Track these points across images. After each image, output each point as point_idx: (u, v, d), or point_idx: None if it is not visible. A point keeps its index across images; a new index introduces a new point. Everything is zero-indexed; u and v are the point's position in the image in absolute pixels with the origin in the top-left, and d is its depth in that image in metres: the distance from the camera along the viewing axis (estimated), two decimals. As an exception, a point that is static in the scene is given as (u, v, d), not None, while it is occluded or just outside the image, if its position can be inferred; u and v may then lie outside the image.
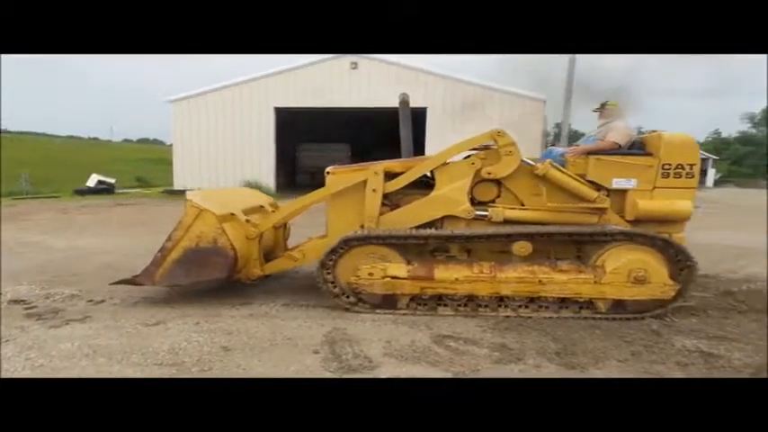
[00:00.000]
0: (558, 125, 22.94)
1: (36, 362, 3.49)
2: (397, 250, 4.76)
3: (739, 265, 7.39)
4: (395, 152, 22.04)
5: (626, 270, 4.54)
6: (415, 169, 5.06)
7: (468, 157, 5.08)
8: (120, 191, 21.84)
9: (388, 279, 4.59)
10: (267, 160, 20.62)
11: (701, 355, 3.80)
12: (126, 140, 73.56)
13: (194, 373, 3.36)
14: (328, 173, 5.27)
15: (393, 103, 20.49)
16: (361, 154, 28.03)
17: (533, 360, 3.67)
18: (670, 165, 4.91)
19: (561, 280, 4.58)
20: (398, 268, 4.64)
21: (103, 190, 20.63)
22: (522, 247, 4.71)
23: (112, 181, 21.64)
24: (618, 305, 4.65)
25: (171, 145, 23.53)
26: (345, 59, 19.62)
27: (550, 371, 3.50)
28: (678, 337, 4.23)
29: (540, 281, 4.57)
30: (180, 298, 5.15)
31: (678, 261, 4.69)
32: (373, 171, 5.02)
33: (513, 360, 3.66)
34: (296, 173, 26.24)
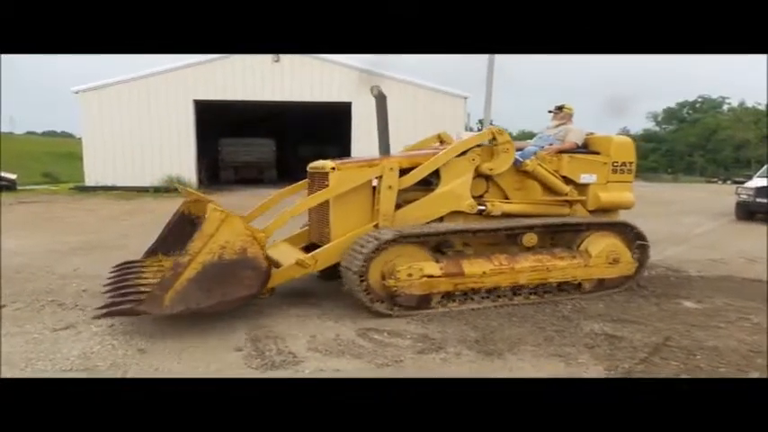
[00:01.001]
0: (480, 121, 23.75)
1: (-75, 374, 3.21)
2: (426, 249, 4.71)
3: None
4: (320, 146, 22.19)
5: (605, 253, 5.27)
6: (426, 165, 4.97)
7: (464, 153, 5.15)
8: (24, 187, 20.22)
9: (425, 278, 4.50)
10: (188, 155, 19.80)
11: (606, 338, 4.11)
12: (30, 133, 67.96)
13: (108, 375, 3.21)
14: (333, 169, 4.86)
15: (316, 97, 20.40)
16: (287, 148, 27.77)
17: (454, 348, 3.81)
18: (617, 162, 5.75)
19: (562, 266, 5.08)
20: (432, 267, 4.57)
21: (3, 186, 19.00)
22: (531, 239, 5.15)
23: (13, 176, 19.95)
24: (599, 284, 5.36)
25: (80, 138, 22.05)
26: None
27: (470, 358, 3.65)
28: (587, 321, 4.53)
29: (547, 268, 4.99)
30: (91, 299, 4.88)
31: (633, 243, 5.60)
32: (389, 167, 4.82)
33: (434, 349, 3.79)
34: (219, 168, 25.41)
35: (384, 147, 5.20)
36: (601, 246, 5.29)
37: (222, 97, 19.60)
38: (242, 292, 4.07)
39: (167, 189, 18.83)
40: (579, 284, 5.24)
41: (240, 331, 4.10)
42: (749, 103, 59.92)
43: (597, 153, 5.73)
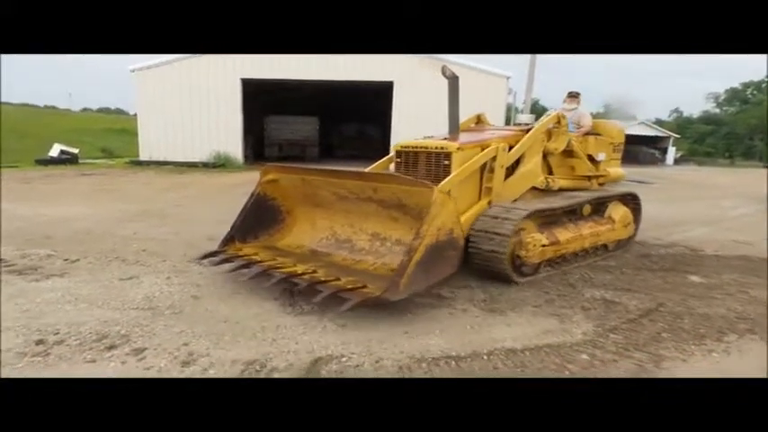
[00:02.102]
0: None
1: (23, 306, 3.95)
2: (535, 223, 5.21)
3: (666, 233, 8.19)
4: (362, 125, 22.84)
5: (622, 219, 6.42)
6: (521, 145, 5.48)
7: (528, 132, 5.72)
8: (84, 161, 21.64)
9: (542, 248, 5.12)
10: (234, 132, 20.70)
11: (603, 302, 4.51)
12: (85, 109, 71.18)
13: (167, 314, 3.88)
14: (458, 149, 5.02)
15: (359, 75, 20.82)
16: (330, 126, 28.44)
17: (462, 306, 4.30)
18: (615, 143, 7.07)
19: (603, 231, 6.07)
20: (543, 237, 5.18)
21: (66, 160, 20.42)
22: (588, 209, 6.11)
23: (76, 151, 21.39)
24: (617, 244, 6.47)
25: (134, 115, 23.27)
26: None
27: (475, 313, 4.13)
28: (590, 289, 4.92)
29: (597, 233, 5.95)
30: (149, 257, 5.60)
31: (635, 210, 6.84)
32: (502, 147, 5.20)
33: (445, 305, 4.29)
34: (264, 145, 26.34)
35: (454, 126, 5.54)
36: (620, 213, 6.46)
37: (268, 76, 20.27)
38: (447, 272, 4.08)
39: (215, 164, 19.82)
40: (606, 245, 6.25)
41: (278, 285, 4.69)
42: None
43: (601, 135, 6.71)
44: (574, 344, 3.56)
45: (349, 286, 3.95)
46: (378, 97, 22.26)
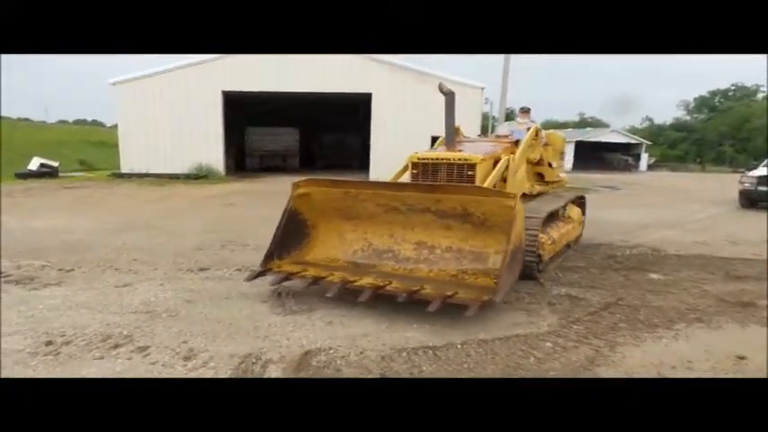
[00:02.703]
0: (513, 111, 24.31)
1: (26, 313, 4.19)
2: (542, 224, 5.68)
3: (632, 236, 8.67)
4: (343, 135, 23.18)
5: (578, 217, 7.32)
6: (520, 156, 6.09)
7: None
8: (64, 174, 21.57)
9: (550, 245, 5.76)
10: (216, 144, 20.88)
11: (568, 298, 4.90)
12: (62, 121, 70.17)
13: (164, 317, 4.16)
14: (482, 161, 5.42)
15: (338, 87, 21.19)
16: (310, 136, 28.74)
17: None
18: (559, 151, 7.73)
19: (570, 229, 6.76)
20: (548, 237, 5.76)
21: (46, 173, 20.36)
22: (573, 211, 7.22)
23: (56, 164, 21.34)
24: (576, 241, 7.34)
25: (112, 127, 23.27)
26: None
27: (451, 310, 4.47)
28: (557, 287, 5.31)
29: (568, 231, 6.63)
30: (141, 265, 5.85)
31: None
32: (511, 158, 5.80)
33: (423, 303, 4.62)
34: (245, 156, 26.54)
35: (450, 137, 5.86)
36: (575, 213, 7.31)
37: (249, 88, 20.55)
38: (517, 272, 4.47)
39: (197, 176, 19.97)
40: (568, 244, 6.90)
41: (267, 289, 5.00)
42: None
43: (548, 144, 7.34)
44: (540, 334, 3.93)
45: (449, 293, 4.14)
46: (357, 108, 22.68)
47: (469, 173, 5.36)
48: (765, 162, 14.47)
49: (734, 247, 7.83)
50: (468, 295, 4.12)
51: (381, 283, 4.40)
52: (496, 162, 5.68)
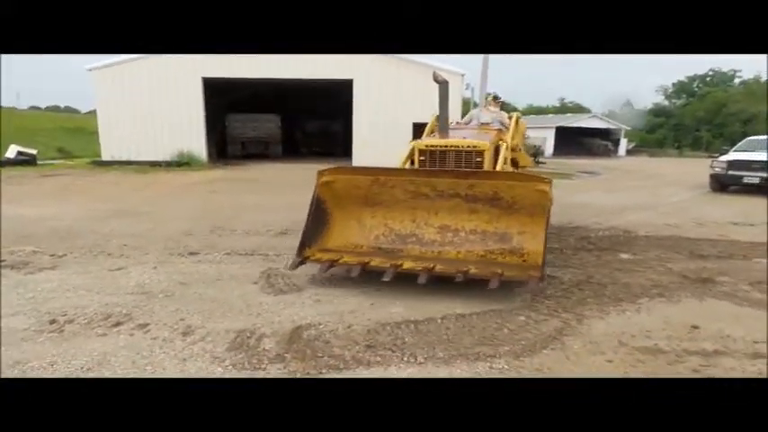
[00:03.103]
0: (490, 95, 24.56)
1: (26, 295, 4.37)
2: None
3: (607, 219, 9.04)
4: (325, 121, 23.32)
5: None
6: (510, 141, 6.57)
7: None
8: (42, 162, 21.35)
9: None
10: (197, 131, 20.83)
11: (542, 277, 5.20)
12: (33, 107, 68.44)
13: (160, 297, 4.37)
14: (488, 148, 5.76)
15: (319, 74, 21.25)
16: (293, 123, 28.74)
17: (422, 281, 4.92)
18: (523, 136, 8.03)
19: None
20: None
21: (24, 161, 20.14)
22: None
23: (34, 152, 21.10)
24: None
25: (87, 113, 22.97)
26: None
27: (433, 287, 4.75)
28: (532, 266, 5.61)
29: None
30: (132, 251, 6.02)
31: None
32: (505, 145, 6.28)
33: (405, 282, 4.88)
34: (226, 143, 26.47)
35: (445, 125, 6.00)
36: None
37: (230, 75, 20.49)
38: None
39: (179, 163, 19.94)
40: None
41: (257, 271, 5.23)
42: (765, 77, 59.53)
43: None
44: (514, 308, 4.24)
45: (499, 271, 4.47)
46: (339, 94, 22.75)
47: (478, 159, 5.64)
48: (735, 147, 15.01)
49: (701, 229, 8.24)
50: (512, 273, 4.48)
51: (430, 265, 4.60)
52: (497, 149, 6.00)
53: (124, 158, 20.17)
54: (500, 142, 6.19)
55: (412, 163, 5.96)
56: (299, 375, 3.12)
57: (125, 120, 20.39)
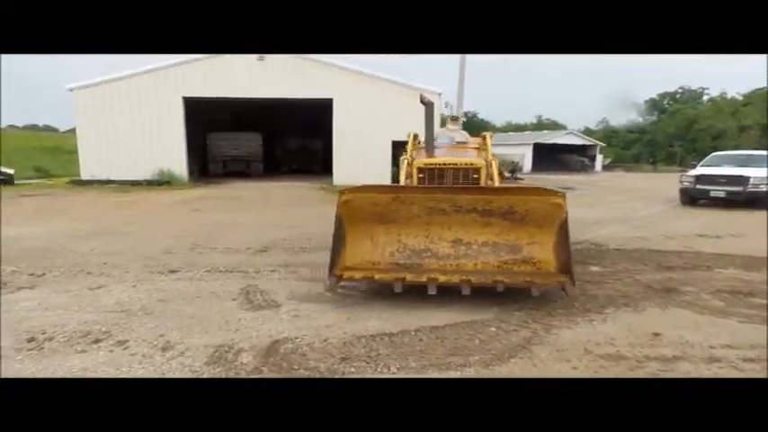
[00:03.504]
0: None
1: (4, 315, 4.39)
2: None
3: (580, 233, 9.27)
4: (306, 140, 23.47)
5: None
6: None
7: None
8: (20, 182, 21.10)
9: None
10: (178, 149, 20.84)
11: (514, 289, 5.37)
12: (11, 126, 67.42)
13: (139, 315, 4.44)
14: (484, 165, 6.23)
15: (299, 93, 21.46)
16: (274, 141, 28.85)
17: (398, 295, 5.06)
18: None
19: None
20: None
21: (1, 181, 19.90)
22: None
23: (11, 171, 20.86)
24: None
25: (66, 132, 22.86)
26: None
27: (409, 301, 4.89)
28: (505, 280, 5.78)
29: None
30: (113, 269, 6.07)
31: None
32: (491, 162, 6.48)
33: (382, 297, 5.03)
34: (207, 162, 26.46)
35: (430, 144, 6.36)
36: None
37: (210, 94, 20.61)
38: None
39: (159, 182, 19.89)
40: None
41: (236, 288, 5.32)
42: (730, 94, 61.62)
43: None
44: (485, 320, 4.39)
45: (537, 281, 4.80)
46: (319, 113, 22.98)
47: (474, 176, 6.01)
48: (702, 163, 15.52)
49: (669, 241, 8.53)
50: (545, 280, 4.87)
51: (466, 278, 4.81)
52: (488, 166, 6.28)
53: (104, 177, 20.07)
54: (490, 160, 6.43)
55: (406, 179, 6.26)
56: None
57: (106, 139, 20.33)
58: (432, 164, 6.07)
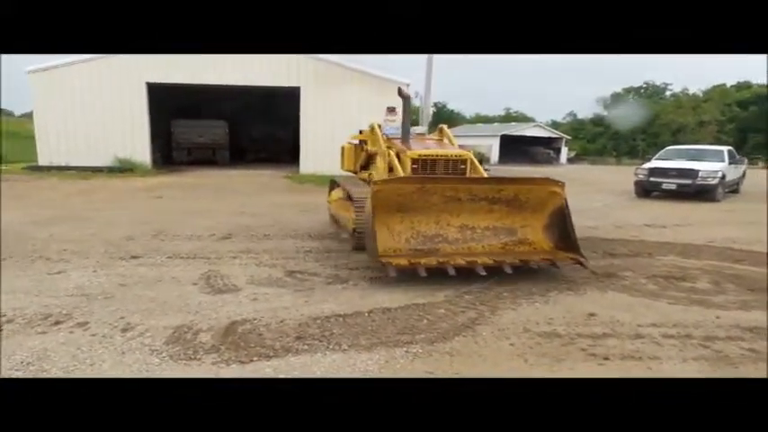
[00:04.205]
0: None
1: (-37, 299, 4.44)
2: None
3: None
4: (273, 128, 23.33)
5: None
6: None
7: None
8: (-26, 167, 20.44)
9: None
10: (141, 137, 20.48)
11: (468, 274, 5.65)
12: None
13: (100, 299, 4.53)
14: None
15: (267, 81, 21.27)
16: (241, 129, 28.58)
17: (354, 282, 5.27)
18: None
19: None
20: None
21: (-46, 167, 19.28)
22: None
23: (-36, 157, 20.22)
24: None
25: (22, 117, 22.20)
26: (220, 38, 19.99)
27: (363, 287, 5.11)
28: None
29: None
30: (72, 255, 6.10)
31: None
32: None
33: (340, 282, 5.24)
34: (171, 149, 26.06)
35: (407, 136, 6.81)
36: None
37: (175, 80, 20.31)
38: None
39: (122, 169, 19.57)
40: None
41: (197, 273, 5.44)
42: (692, 90, 63.61)
43: None
44: (435, 303, 4.65)
45: (547, 257, 5.60)
46: (286, 101, 22.90)
47: (462, 166, 6.48)
48: (656, 156, 16.18)
49: (618, 231, 8.97)
50: (561, 257, 5.65)
51: (488, 260, 5.35)
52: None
53: (63, 164, 19.62)
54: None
55: (389, 170, 6.56)
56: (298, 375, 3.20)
57: (65, 124, 19.83)
58: (426, 155, 6.46)
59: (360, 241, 6.14)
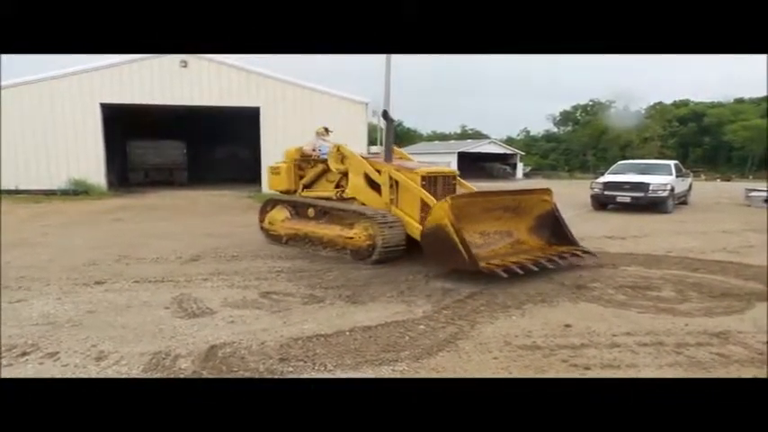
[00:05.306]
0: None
1: None
2: None
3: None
4: (233, 148, 23.12)
5: None
6: None
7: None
8: None
9: None
10: (96, 158, 19.84)
11: (442, 290, 5.70)
12: None
13: (67, 327, 4.34)
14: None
15: (225, 101, 21.10)
16: (200, 150, 28.12)
17: (330, 301, 5.24)
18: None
19: None
20: None
21: None
22: None
23: None
24: None
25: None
26: (175, 57, 19.72)
27: (341, 305, 5.08)
28: (433, 281, 6.11)
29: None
30: (31, 282, 5.82)
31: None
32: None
33: (316, 302, 5.19)
34: (128, 171, 25.38)
35: (388, 155, 7.52)
36: None
37: (130, 101, 19.86)
38: None
39: (76, 192, 18.87)
40: None
41: (168, 297, 5.29)
42: (633, 108, 66.63)
43: None
44: (415, 319, 4.66)
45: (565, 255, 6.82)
46: (246, 121, 22.71)
47: (453, 182, 7.59)
48: (609, 170, 16.82)
49: (582, 243, 9.20)
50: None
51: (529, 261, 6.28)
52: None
53: (12, 187, 18.75)
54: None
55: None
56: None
57: (14, 145, 19.00)
58: (429, 173, 7.27)
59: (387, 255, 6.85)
